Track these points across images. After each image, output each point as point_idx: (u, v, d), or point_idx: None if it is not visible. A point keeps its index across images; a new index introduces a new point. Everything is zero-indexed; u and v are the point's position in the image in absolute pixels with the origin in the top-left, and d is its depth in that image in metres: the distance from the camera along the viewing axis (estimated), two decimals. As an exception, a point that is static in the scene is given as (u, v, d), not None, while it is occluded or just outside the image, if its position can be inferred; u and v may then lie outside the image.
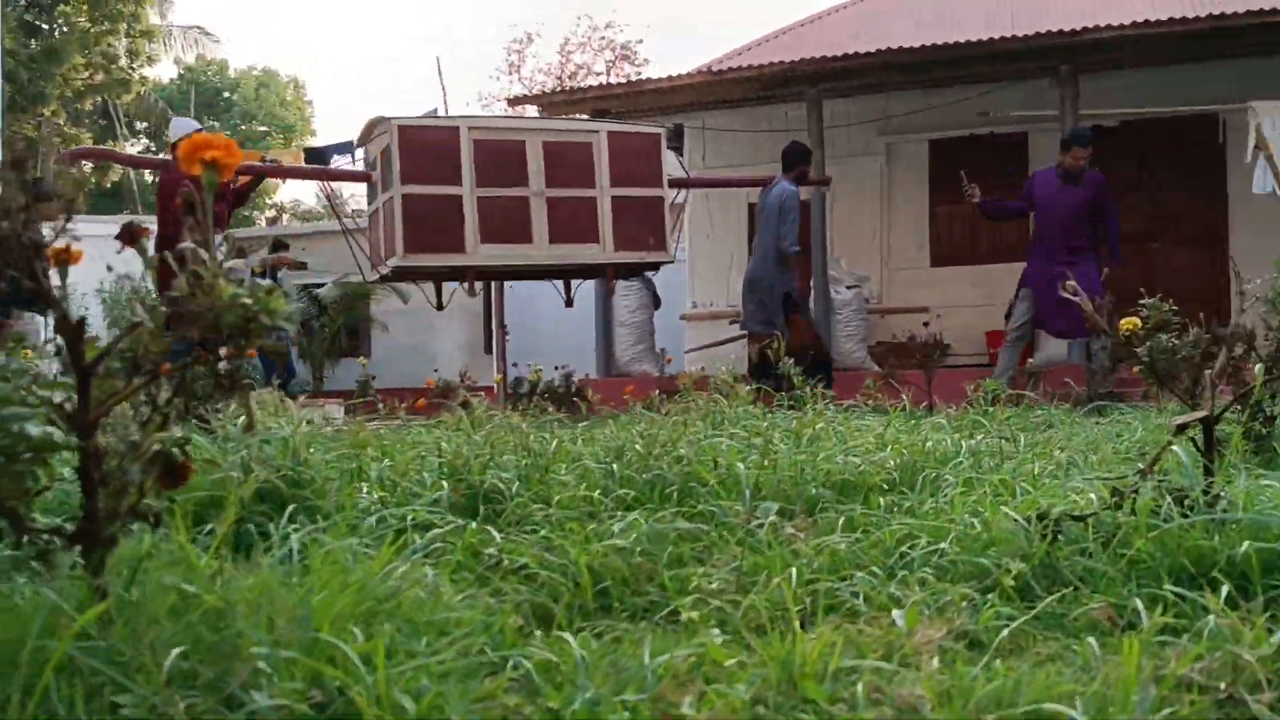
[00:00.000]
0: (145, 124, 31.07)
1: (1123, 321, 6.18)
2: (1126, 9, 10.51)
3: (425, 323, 20.81)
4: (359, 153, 11.51)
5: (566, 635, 1.27)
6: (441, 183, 8.14)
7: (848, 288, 11.08)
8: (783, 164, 9.58)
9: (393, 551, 1.47)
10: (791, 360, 9.04)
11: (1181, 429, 1.67)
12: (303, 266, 13.86)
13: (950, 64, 10.61)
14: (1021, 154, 12.12)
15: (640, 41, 31.35)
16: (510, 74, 28.54)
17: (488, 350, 18.03)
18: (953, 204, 12.70)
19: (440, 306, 9.42)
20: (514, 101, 10.98)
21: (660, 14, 51.34)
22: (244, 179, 8.80)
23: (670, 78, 10.67)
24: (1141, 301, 4.96)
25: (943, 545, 1.58)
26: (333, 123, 63.55)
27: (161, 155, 12.52)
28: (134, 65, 24.51)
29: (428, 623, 1.21)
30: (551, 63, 28.59)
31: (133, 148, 33.09)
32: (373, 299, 20.65)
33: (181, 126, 8.98)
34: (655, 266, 9.37)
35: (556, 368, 9.87)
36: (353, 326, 20.71)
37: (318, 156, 17.29)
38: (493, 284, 17.33)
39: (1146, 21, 9.52)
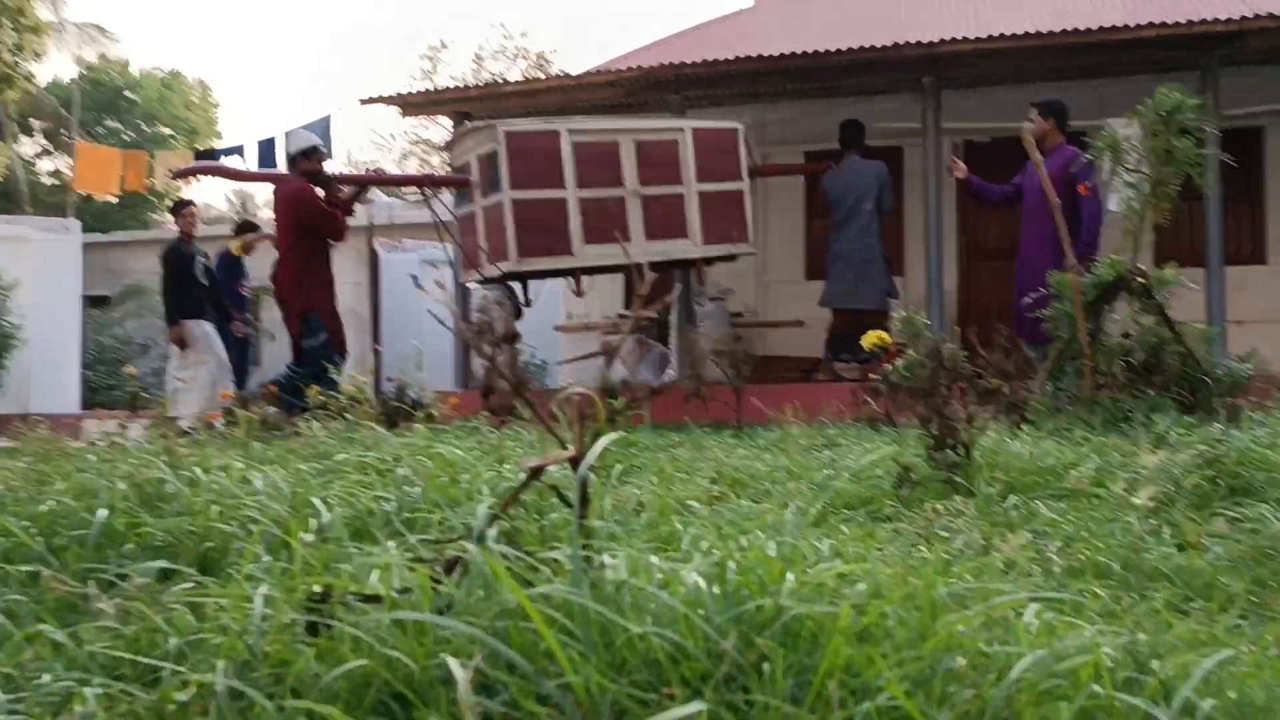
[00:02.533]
0: (41, 124, 30.20)
1: (866, 335, 5.95)
2: (990, 24, 10.40)
3: (317, 332, 20.24)
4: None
5: None
6: (547, 187, 8.29)
7: (710, 299, 10.80)
8: (852, 141, 9.94)
9: None
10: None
11: (536, 473, 1.34)
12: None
13: (814, 74, 10.41)
14: (896, 166, 11.98)
15: (554, 51, 31.01)
16: (425, 82, 27.98)
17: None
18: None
19: (528, 303, 9.64)
20: (367, 101, 10.55)
21: (580, 24, 51.11)
22: (348, 190, 8.82)
23: (528, 81, 10.38)
24: (899, 315, 4.76)
25: (215, 638, 1.22)
26: (240, 126, 62.51)
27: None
28: (19, 61, 23.69)
29: None
30: (465, 72, 28.10)
31: (30, 148, 32.00)
32: (260, 307, 20.01)
33: (301, 139, 8.77)
34: (732, 258, 9.59)
35: (388, 379, 9.46)
36: (241, 336, 20.11)
37: (209, 157, 16.85)
38: (366, 297, 16.86)
39: (1001, 35, 9.38)
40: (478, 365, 11.41)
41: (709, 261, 9.44)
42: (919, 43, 9.60)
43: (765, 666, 0.95)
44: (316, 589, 1.18)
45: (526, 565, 1.19)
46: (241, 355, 11.67)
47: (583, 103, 11.09)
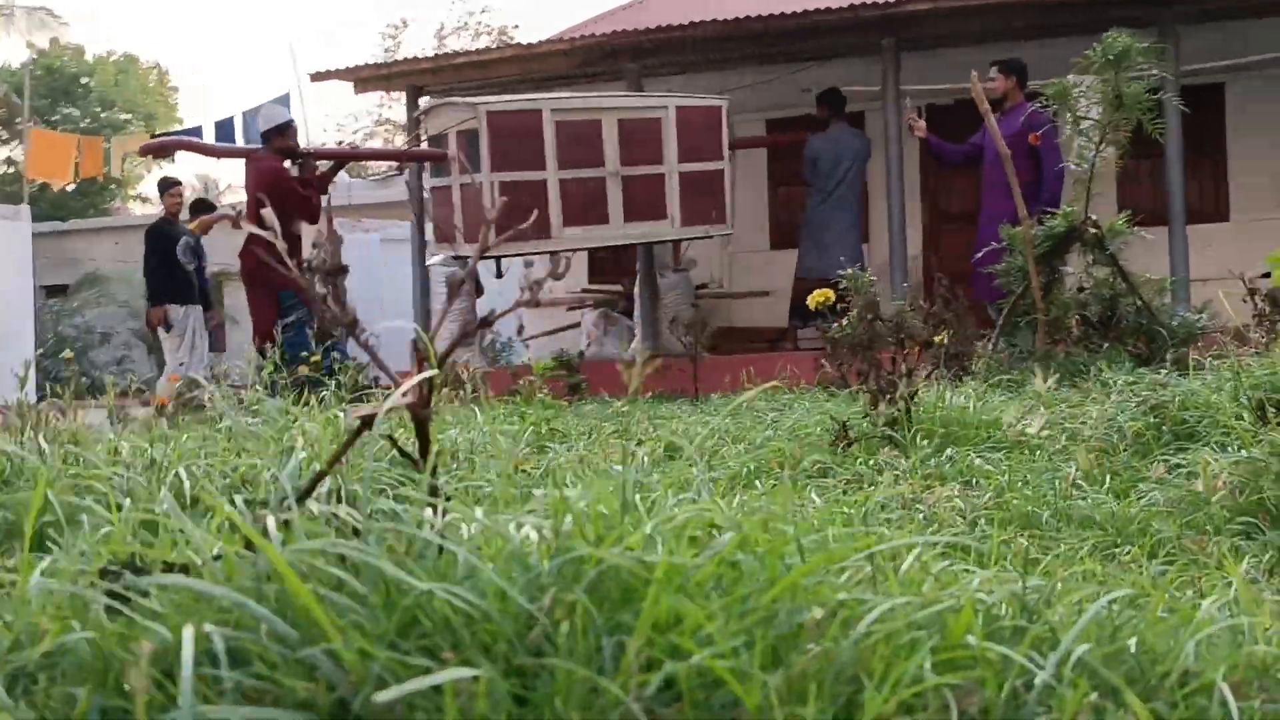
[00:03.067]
0: (-4, 110, 29.61)
1: (813, 294, 5.84)
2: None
3: (281, 315, 19.96)
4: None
5: None
6: (528, 168, 8.06)
7: (675, 271, 10.67)
8: (837, 109, 9.88)
9: None
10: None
11: (367, 423, 1.21)
12: (238, 225, 13.25)
13: (771, 38, 10.24)
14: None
15: (516, 27, 30.69)
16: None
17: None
18: (790, 185, 12.39)
19: (499, 275, 9.45)
20: (317, 77, 10.31)
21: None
22: (323, 168, 8.60)
23: (480, 50, 10.16)
24: (842, 272, 4.63)
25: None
26: (200, 112, 61.67)
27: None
28: (-35, 47, 23.20)
29: None
30: (427, 48, 27.75)
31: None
32: (224, 288, 19.73)
33: (273, 114, 8.50)
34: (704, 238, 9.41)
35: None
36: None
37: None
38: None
39: (959, -9, 9.24)
40: (446, 343, 11.22)
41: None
42: (875, 3, 9.45)
43: (567, 626, 0.82)
44: (114, 561, 1.05)
45: (352, 526, 1.06)
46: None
47: (538, 73, 10.87)
